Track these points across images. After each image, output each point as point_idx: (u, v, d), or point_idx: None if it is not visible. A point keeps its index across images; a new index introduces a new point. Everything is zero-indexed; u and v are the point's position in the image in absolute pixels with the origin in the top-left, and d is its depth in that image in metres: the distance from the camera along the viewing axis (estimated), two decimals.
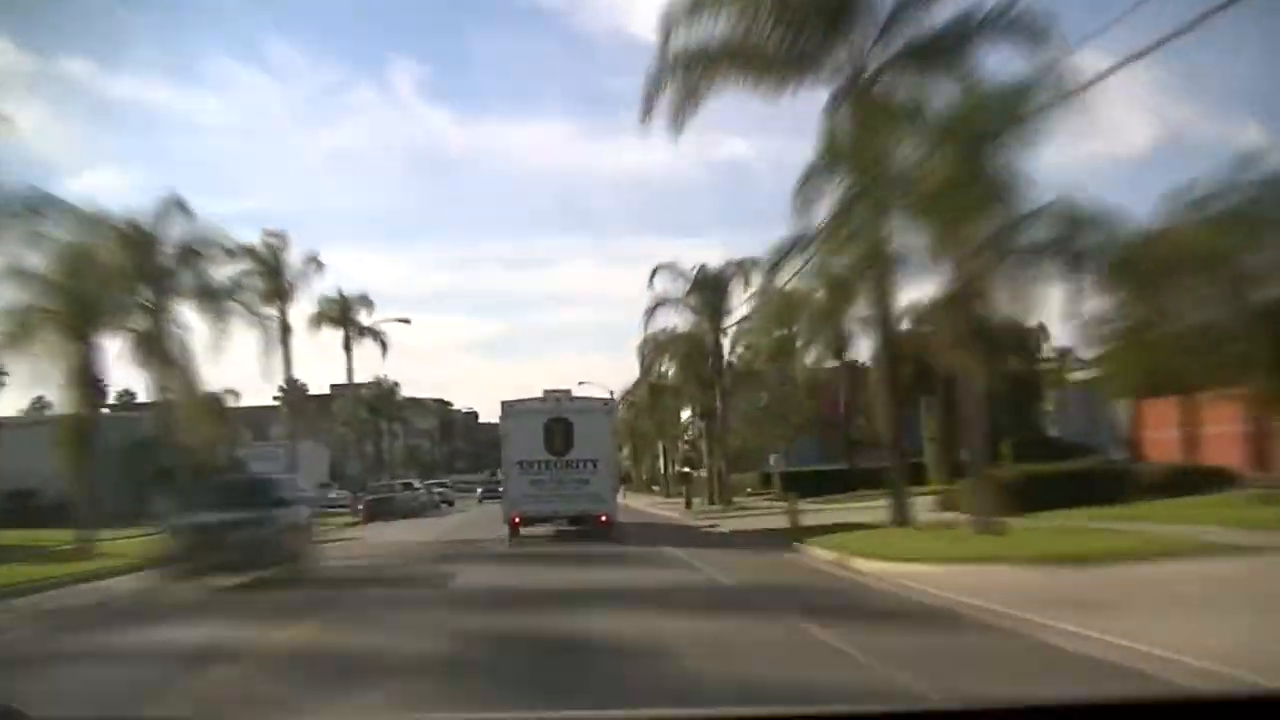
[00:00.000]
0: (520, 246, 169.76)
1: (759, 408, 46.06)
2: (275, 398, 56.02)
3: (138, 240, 28.19)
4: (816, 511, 23.79)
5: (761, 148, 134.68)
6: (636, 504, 47.78)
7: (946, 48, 19.06)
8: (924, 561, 13.76)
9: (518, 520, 23.60)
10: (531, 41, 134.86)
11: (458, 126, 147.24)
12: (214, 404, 36.45)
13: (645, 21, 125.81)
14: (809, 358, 36.35)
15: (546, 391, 24.71)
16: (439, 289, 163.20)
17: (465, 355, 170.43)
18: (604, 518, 23.15)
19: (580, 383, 46.23)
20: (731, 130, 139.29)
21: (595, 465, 23.20)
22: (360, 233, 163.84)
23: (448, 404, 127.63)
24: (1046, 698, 5.70)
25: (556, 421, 23.48)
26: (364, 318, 53.97)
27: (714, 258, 56.49)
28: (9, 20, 68.12)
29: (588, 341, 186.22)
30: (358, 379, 61.27)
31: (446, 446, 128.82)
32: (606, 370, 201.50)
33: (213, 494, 19.57)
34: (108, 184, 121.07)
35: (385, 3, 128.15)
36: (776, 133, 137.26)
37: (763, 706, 5.59)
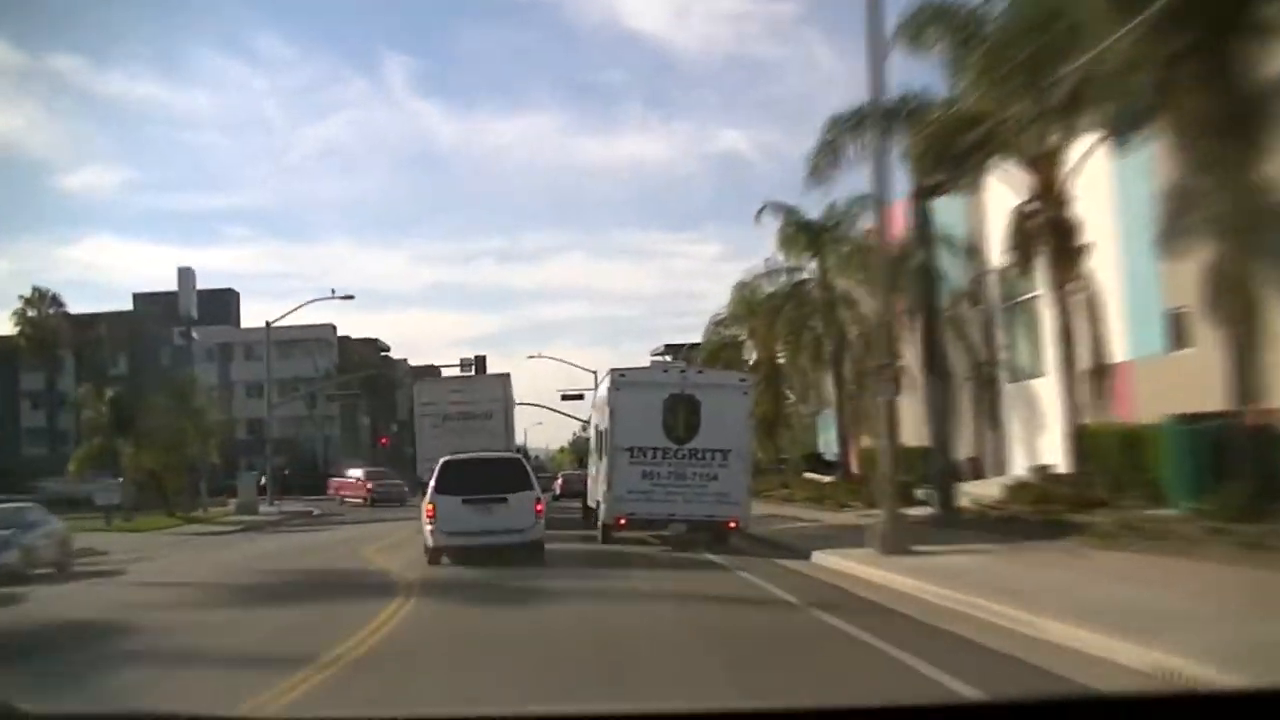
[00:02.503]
0: (513, 240, 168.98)
1: None
2: None
3: None
4: None
5: (756, 140, 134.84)
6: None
7: None
8: None
9: (623, 522, 19.20)
10: (523, 34, 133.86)
11: (449, 120, 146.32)
12: None
13: (636, 13, 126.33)
14: None
15: (664, 362, 20.61)
16: (432, 284, 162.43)
17: (461, 351, 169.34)
18: (733, 523, 19.01)
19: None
20: (726, 123, 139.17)
21: (725, 457, 18.93)
22: (352, 227, 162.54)
23: (381, 344, 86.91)
24: (1044, 695, 5.73)
25: (680, 400, 19.13)
26: None
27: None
28: None
29: (583, 336, 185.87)
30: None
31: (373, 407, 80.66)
32: (604, 364, 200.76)
33: None
34: (99, 182, 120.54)
35: None
36: (771, 125, 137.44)
37: (763, 703, 5.54)
